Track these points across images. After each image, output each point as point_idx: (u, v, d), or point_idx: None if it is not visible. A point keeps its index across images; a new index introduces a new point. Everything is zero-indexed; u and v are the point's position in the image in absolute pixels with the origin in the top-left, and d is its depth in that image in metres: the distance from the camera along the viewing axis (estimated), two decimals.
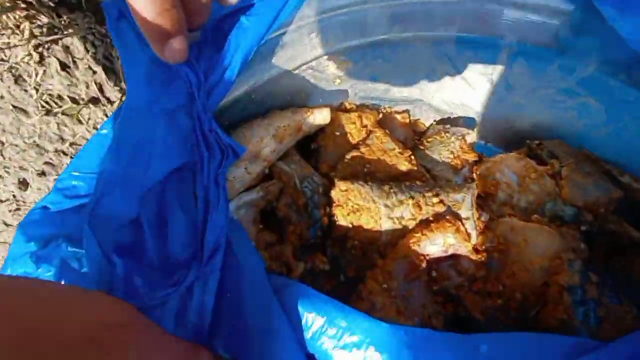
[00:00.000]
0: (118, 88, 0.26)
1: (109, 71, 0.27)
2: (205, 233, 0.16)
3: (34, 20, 0.24)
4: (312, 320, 0.16)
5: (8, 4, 0.24)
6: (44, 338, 0.09)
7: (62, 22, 0.25)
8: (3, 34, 0.24)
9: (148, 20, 0.15)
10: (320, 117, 0.24)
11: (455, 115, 0.28)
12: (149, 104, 0.18)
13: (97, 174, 0.19)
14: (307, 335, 0.16)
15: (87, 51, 0.26)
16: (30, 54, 0.24)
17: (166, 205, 0.17)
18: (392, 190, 0.21)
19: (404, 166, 0.23)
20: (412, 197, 0.21)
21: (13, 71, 0.25)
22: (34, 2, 0.25)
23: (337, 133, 0.25)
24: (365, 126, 0.25)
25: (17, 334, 0.09)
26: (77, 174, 0.19)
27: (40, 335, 0.09)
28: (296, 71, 0.24)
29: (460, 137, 0.26)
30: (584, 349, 0.16)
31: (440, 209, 0.21)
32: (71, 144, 0.27)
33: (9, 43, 0.24)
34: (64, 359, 0.09)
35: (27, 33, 0.24)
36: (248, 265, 0.17)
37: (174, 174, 0.18)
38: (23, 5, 0.25)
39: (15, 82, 0.25)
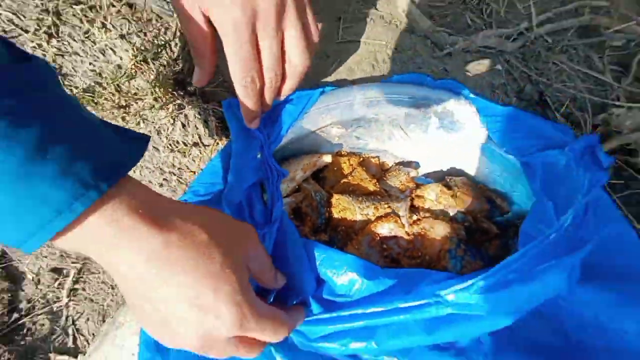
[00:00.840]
0: (211, 138, 0.45)
1: (206, 127, 0.46)
2: (272, 212, 0.33)
3: (174, 100, 0.43)
4: (319, 257, 0.33)
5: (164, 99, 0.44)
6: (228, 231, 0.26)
7: (186, 100, 0.44)
8: (154, 107, 0.44)
9: (245, 110, 0.33)
10: (326, 159, 0.42)
11: (407, 160, 0.47)
12: (244, 149, 0.36)
13: (211, 184, 0.37)
14: (317, 265, 0.33)
15: (195, 117, 0.45)
16: (167, 117, 0.44)
17: (252, 197, 0.35)
18: (363, 200, 0.39)
19: (372, 188, 0.41)
20: (374, 204, 0.39)
21: (156, 127, 0.44)
22: (177, 95, 0.45)
23: (335, 168, 0.43)
24: (352, 165, 0.43)
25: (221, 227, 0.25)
26: (200, 183, 0.37)
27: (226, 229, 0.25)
28: (314, 133, 0.43)
29: (406, 173, 0.44)
30: (449, 277, 0.33)
31: (389, 210, 0.38)
32: (179, 169, 0.46)
33: (157, 112, 0.43)
34: (237, 239, 0.26)
35: (171, 107, 0.43)
36: (289, 231, 0.34)
37: (253, 184, 0.35)
38: (175, 99, 0.44)
39: (157, 133, 0.44)
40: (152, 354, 0.31)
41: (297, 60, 0.30)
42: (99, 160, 0.17)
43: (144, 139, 0.22)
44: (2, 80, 0.16)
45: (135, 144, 0.21)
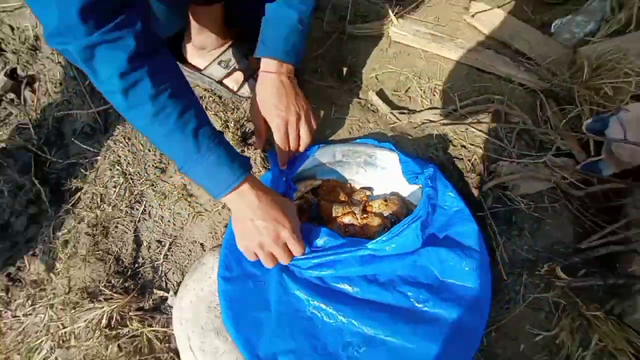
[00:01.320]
0: (256, 167, 0.81)
1: (255, 162, 0.81)
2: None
3: (240, 147, 0.80)
4: (307, 230, 0.66)
5: None
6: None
7: (247, 147, 0.81)
8: None
9: (280, 158, 0.69)
10: (317, 182, 0.76)
11: (366, 186, 0.80)
12: (277, 176, 0.71)
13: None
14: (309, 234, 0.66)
15: (251, 156, 0.82)
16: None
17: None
18: (337, 205, 0.72)
19: (343, 199, 0.75)
20: (342, 207, 0.72)
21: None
22: (242, 144, 0.82)
23: (324, 187, 0.77)
24: (333, 186, 0.77)
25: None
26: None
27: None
28: (313, 168, 0.78)
29: (364, 193, 0.77)
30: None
31: (349, 210, 0.71)
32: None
33: None
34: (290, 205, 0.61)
35: (239, 149, 0.80)
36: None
37: (281, 193, 0.69)
38: (241, 146, 0.82)
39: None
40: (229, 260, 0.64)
41: (305, 138, 0.67)
42: (244, 163, 0.53)
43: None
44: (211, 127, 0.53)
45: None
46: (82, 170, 0.91)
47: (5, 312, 0.78)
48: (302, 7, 0.65)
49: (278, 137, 0.68)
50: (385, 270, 0.62)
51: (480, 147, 0.88)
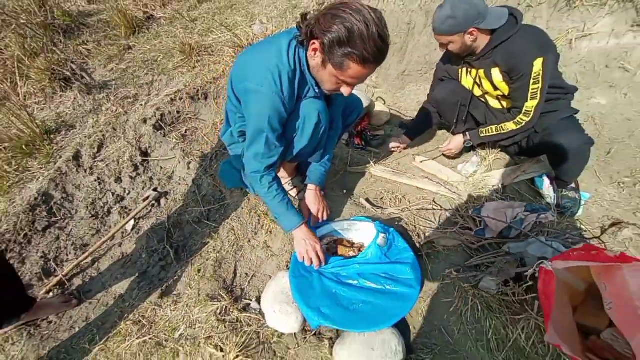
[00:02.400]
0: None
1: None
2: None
3: None
4: (331, 258, 1.35)
5: None
6: None
7: None
8: None
9: (312, 221, 1.46)
10: (334, 239, 1.49)
11: (363, 242, 1.52)
12: (312, 228, 1.44)
13: None
14: (329, 258, 1.34)
15: None
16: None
17: None
18: (344, 248, 1.43)
19: (348, 245, 1.46)
20: (346, 249, 1.42)
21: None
22: None
23: (338, 241, 1.50)
24: (343, 242, 1.50)
25: None
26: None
27: None
28: (330, 233, 1.52)
29: (361, 245, 1.49)
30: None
31: (351, 250, 1.41)
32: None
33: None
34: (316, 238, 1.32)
35: None
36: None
37: None
38: None
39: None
40: (295, 262, 1.32)
41: (325, 216, 1.48)
42: (301, 217, 1.31)
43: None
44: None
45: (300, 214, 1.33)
46: (197, 237, 1.65)
47: (159, 309, 1.37)
48: (327, 165, 1.54)
49: (313, 215, 1.46)
50: (368, 271, 1.28)
51: (421, 225, 1.63)
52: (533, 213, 1.52)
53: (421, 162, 2.00)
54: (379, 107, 2.40)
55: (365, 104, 2.12)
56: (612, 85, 2.04)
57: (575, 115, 1.57)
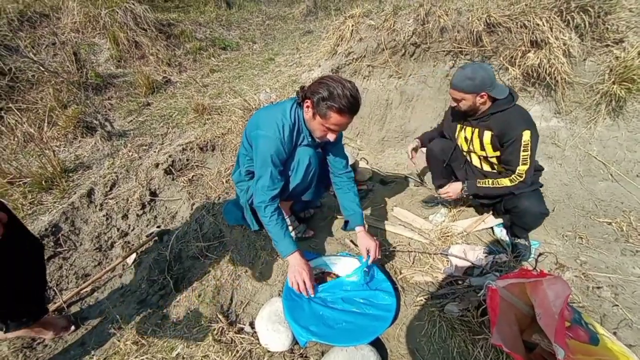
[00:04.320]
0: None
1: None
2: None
3: None
4: (319, 285, 1.55)
5: None
6: None
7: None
8: None
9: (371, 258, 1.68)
10: (321, 270, 1.70)
11: (344, 274, 1.73)
12: (313, 256, 1.65)
13: None
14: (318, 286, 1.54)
15: None
16: None
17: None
18: (331, 278, 1.64)
19: (334, 276, 1.66)
20: (331, 276, 1.63)
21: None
22: None
23: (325, 272, 1.70)
24: (327, 272, 1.70)
25: None
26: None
27: None
28: (323, 264, 1.74)
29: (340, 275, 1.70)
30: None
31: (335, 277, 1.62)
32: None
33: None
34: (307, 266, 1.53)
35: None
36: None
37: None
38: None
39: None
40: (288, 287, 1.50)
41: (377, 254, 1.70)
42: (296, 245, 1.53)
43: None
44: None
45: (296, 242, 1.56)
46: (197, 269, 1.82)
47: (159, 331, 1.48)
48: (361, 207, 1.80)
49: (371, 253, 1.61)
50: (351, 297, 1.48)
51: (397, 264, 1.87)
52: (491, 255, 1.80)
53: (398, 211, 2.31)
54: (362, 165, 2.78)
55: (351, 161, 2.50)
56: (550, 157, 2.52)
57: (539, 189, 1.91)
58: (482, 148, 1.87)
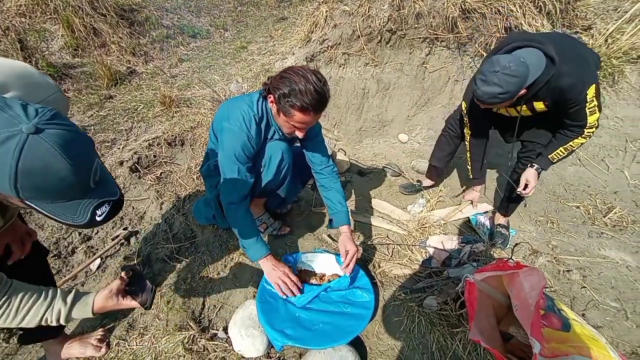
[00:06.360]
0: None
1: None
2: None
3: None
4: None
5: None
6: None
7: None
8: None
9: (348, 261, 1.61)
10: (300, 269, 1.64)
11: (326, 273, 1.67)
12: (290, 261, 1.58)
13: None
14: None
15: None
16: None
17: None
18: (311, 278, 1.58)
19: (314, 276, 1.61)
20: (314, 277, 1.57)
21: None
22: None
23: (305, 271, 1.64)
24: (307, 271, 1.65)
25: None
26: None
27: None
28: (302, 261, 1.67)
29: (326, 275, 1.64)
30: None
31: (318, 279, 1.56)
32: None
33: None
34: (283, 266, 1.46)
35: None
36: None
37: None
38: None
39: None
40: (262, 289, 1.43)
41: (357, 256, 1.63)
42: (268, 249, 1.45)
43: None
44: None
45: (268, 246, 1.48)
46: (166, 273, 1.72)
47: (124, 343, 1.38)
48: (346, 205, 1.71)
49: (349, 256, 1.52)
50: (330, 297, 1.43)
51: (376, 257, 1.83)
52: (468, 244, 1.80)
53: (377, 203, 2.27)
54: (340, 156, 2.72)
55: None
56: None
57: None
58: (533, 111, 1.61)
